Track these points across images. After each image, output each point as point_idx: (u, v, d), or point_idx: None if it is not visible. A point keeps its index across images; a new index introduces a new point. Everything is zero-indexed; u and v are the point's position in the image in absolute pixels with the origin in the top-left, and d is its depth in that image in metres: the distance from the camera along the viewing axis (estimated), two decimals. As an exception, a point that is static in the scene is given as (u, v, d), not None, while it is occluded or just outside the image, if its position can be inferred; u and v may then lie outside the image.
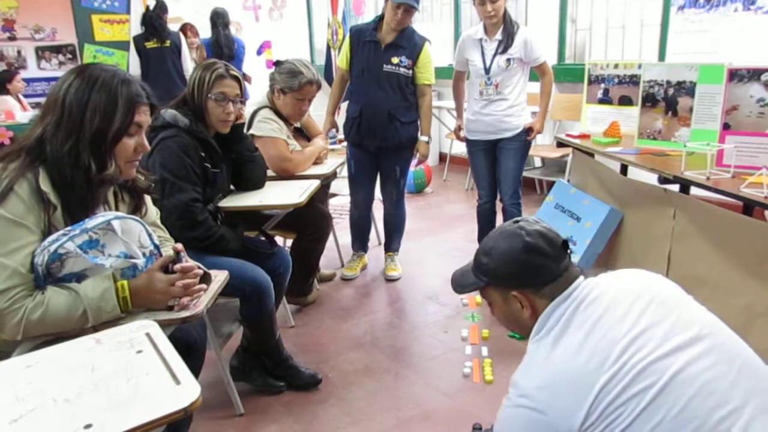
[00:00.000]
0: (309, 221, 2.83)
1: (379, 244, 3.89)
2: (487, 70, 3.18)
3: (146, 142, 1.52)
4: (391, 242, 3.56)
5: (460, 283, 1.44)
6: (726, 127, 2.29)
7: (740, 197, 1.97)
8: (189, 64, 5.45)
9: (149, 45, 5.34)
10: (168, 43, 5.34)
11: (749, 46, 3.88)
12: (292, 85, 2.73)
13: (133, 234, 1.43)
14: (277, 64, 2.81)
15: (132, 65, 5.43)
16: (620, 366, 1.10)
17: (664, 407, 1.05)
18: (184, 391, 1.01)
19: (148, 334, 1.21)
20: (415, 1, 3.04)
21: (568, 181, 3.32)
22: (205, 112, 2.25)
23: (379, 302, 3.24)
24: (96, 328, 1.36)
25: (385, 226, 3.57)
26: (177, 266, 1.44)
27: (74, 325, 1.35)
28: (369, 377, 2.49)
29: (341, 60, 3.30)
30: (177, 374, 1.06)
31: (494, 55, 3.16)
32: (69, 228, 1.37)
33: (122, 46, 6.73)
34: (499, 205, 3.49)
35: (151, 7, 5.41)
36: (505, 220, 3.44)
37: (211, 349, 2.08)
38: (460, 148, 5.89)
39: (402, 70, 3.13)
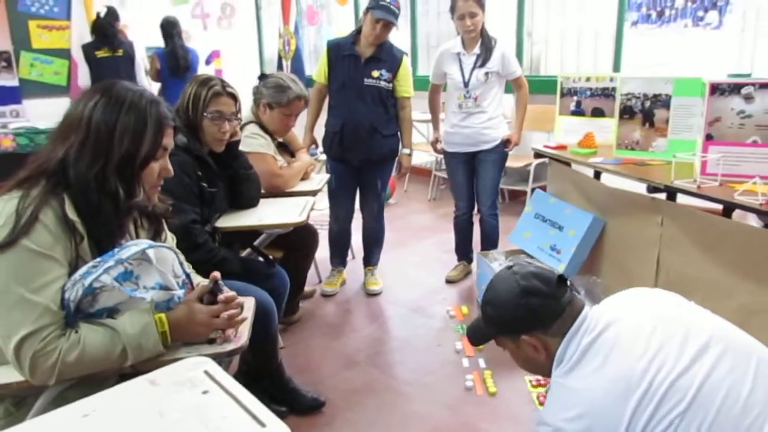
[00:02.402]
0: (297, 238, 2.77)
1: (353, 258, 3.85)
2: (465, 84, 3.22)
3: (170, 166, 1.45)
4: (371, 256, 3.53)
5: (475, 337, 1.47)
6: (709, 137, 2.40)
7: (737, 205, 2.07)
8: (143, 74, 5.24)
9: (100, 54, 5.09)
10: (121, 52, 5.12)
11: (698, 59, 4.10)
12: (280, 100, 2.67)
13: (167, 263, 1.35)
14: (262, 77, 2.74)
15: (81, 75, 5.16)
16: (646, 387, 1.13)
17: (695, 422, 1.09)
18: (273, 433, 0.96)
19: (206, 372, 1.14)
20: (394, 16, 3.05)
21: (544, 190, 3.39)
22: (200, 129, 2.17)
23: (365, 318, 3.20)
24: (134, 367, 1.27)
25: (364, 240, 3.53)
26: (221, 297, 1.37)
27: (112, 364, 1.25)
28: (370, 396, 2.44)
29: (318, 74, 3.25)
30: (257, 415, 1.00)
31: (473, 69, 3.20)
32: (99, 259, 1.28)
33: (62, 53, 6.43)
34: (476, 216, 3.54)
35: (102, 14, 5.16)
36: (482, 230, 3.49)
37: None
38: (419, 159, 5.93)
39: (383, 83, 3.12)
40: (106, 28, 5.08)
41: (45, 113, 5.14)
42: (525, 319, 1.30)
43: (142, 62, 5.35)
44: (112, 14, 5.15)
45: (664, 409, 1.11)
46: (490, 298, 1.37)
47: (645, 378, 1.14)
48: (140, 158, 1.35)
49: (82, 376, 1.25)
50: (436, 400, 2.41)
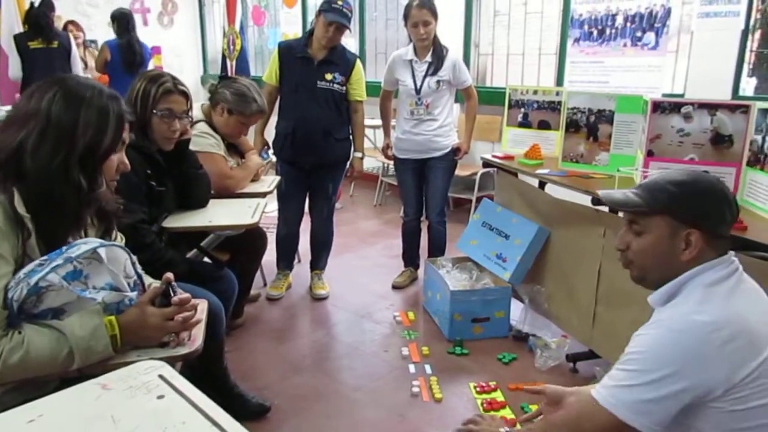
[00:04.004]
0: (245, 240, 2.71)
1: (299, 261, 3.80)
2: (417, 91, 3.25)
3: (126, 160, 1.41)
4: (319, 260, 3.50)
5: (619, 203, 1.36)
6: (650, 153, 2.50)
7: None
8: (79, 67, 5.02)
9: (33, 45, 4.84)
10: (56, 44, 4.88)
11: (636, 77, 4.29)
12: (243, 110, 2.63)
13: (119, 263, 1.29)
14: (223, 79, 2.68)
15: (12, 66, 4.89)
16: None
17: None
18: (235, 439, 0.93)
19: (161, 376, 1.09)
20: (346, 19, 3.04)
21: (489, 199, 3.46)
22: (149, 127, 2.10)
23: (312, 322, 3.17)
24: (80, 371, 1.21)
25: (312, 244, 3.50)
26: (175, 299, 1.32)
27: (57, 368, 1.19)
28: (318, 402, 2.41)
29: (269, 75, 3.20)
30: (218, 421, 0.97)
31: (425, 76, 3.24)
32: (46, 257, 1.21)
33: (-11, 43, 6.10)
34: (423, 223, 3.57)
35: (36, 3, 4.92)
36: (430, 237, 3.52)
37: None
38: (366, 164, 5.93)
39: (336, 86, 3.11)
40: (40, 18, 4.84)
41: (-30, 104, 4.86)
42: (711, 218, 1.26)
43: (78, 55, 5.12)
44: (46, 4, 4.91)
45: None
46: (681, 182, 1.28)
47: None
48: (103, 150, 1.33)
49: (22, 380, 1.18)
50: (384, 406, 2.40)
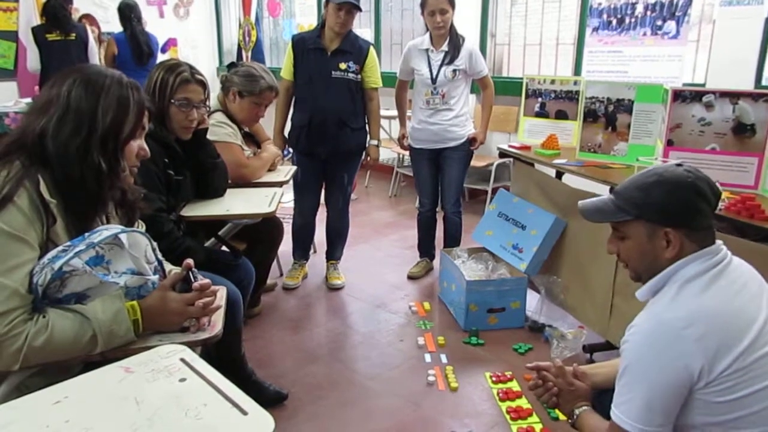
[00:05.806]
0: (262, 230, 2.73)
1: (314, 252, 3.82)
2: (433, 80, 3.23)
3: (146, 146, 1.42)
4: (334, 250, 3.51)
5: (596, 215, 1.39)
6: (669, 143, 2.48)
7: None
8: (97, 59, 5.05)
9: (51, 37, 4.87)
10: (73, 36, 4.91)
11: (655, 66, 4.23)
12: (252, 89, 2.62)
13: (140, 248, 1.30)
14: (232, 66, 2.69)
15: (30, 59, 4.94)
16: (764, 332, 1.19)
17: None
18: (256, 423, 0.94)
19: (183, 359, 1.11)
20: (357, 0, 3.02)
21: (508, 189, 3.44)
22: (167, 116, 2.11)
23: (327, 312, 3.18)
24: (103, 355, 1.23)
25: (328, 234, 3.51)
26: (195, 284, 1.33)
27: (80, 351, 1.21)
28: (334, 390, 2.43)
29: (285, 71, 3.20)
30: (239, 404, 0.98)
31: (441, 66, 3.22)
32: (69, 243, 1.23)
33: (9, 36, 6.20)
34: (439, 213, 3.56)
35: (53, -3, 4.95)
36: (445, 227, 3.52)
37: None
38: (381, 155, 5.92)
39: (351, 75, 3.10)
40: (57, 11, 4.86)
41: (-9, 97, 4.94)
42: (683, 214, 1.27)
43: (95, 47, 5.15)
44: (64, -3, 4.95)
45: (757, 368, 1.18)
46: (648, 185, 1.29)
47: (765, 326, 1.20)
48: (124, 134, 1.34)
49: (46, 363, 1.20)
50: (399, 394, 2.41)
